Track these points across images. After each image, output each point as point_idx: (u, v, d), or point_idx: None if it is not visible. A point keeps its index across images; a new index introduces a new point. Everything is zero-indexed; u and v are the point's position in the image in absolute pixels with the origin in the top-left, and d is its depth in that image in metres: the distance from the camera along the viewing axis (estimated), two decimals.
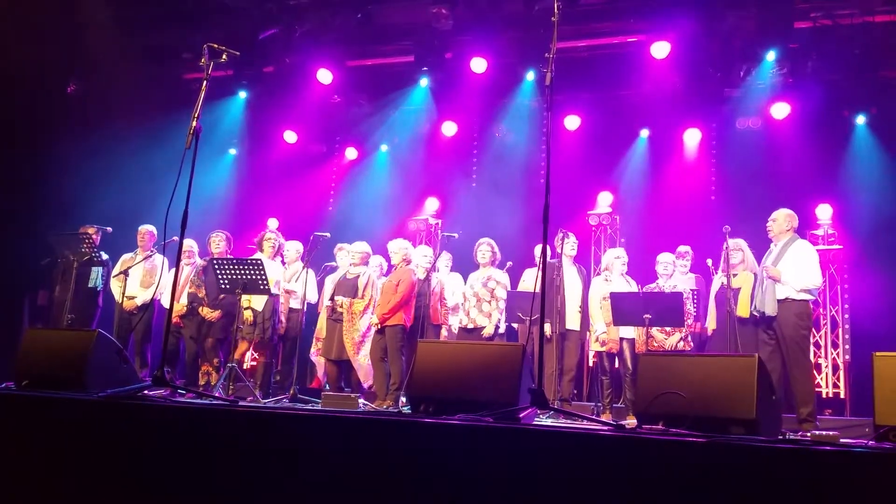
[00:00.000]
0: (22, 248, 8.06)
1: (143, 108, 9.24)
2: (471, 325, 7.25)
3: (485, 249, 7.43)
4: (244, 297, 6.93)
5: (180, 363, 7.80)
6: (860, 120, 8.61)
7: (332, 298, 7.47)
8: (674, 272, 7.23)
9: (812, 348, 8.62)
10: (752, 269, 6.61)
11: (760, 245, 6.68)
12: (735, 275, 6.58)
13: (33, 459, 3.48)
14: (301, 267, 7.59)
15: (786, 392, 6.05)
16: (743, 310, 6.41)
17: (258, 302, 7.29)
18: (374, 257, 7.90)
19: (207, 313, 7.39)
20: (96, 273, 7.80)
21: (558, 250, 7.15)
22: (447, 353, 4.27)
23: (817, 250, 6.52)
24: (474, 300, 7.28)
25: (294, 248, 8.10)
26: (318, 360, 7.86)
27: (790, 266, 6.13)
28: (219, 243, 7.71)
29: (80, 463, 3.41)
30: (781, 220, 6.39)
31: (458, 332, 7.46)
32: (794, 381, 6.00)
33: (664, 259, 7.18)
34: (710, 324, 6.93)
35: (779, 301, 6.11)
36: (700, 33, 8.26)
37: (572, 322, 7.04)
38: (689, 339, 6.90)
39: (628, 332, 6.93)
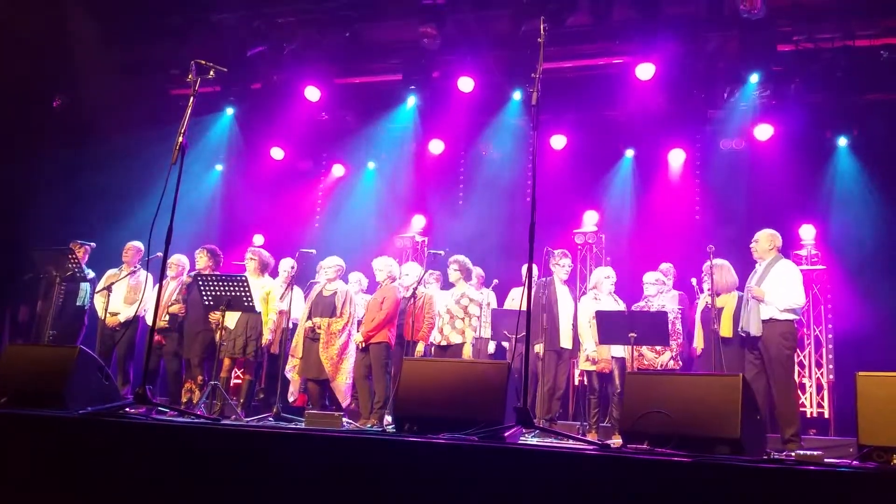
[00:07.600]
0: (4, 262, 7.97)
1: (129, 124, 9.21)
2: (444, 343, 7.13)
3: (452, 268, 7.36)
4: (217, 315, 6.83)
5: (162, 380, 7.70)
6: (842, 142, 8.72)
7: (309, 318, 7.38)
8: (659, 291, 7.24)
9: (797, 368, 8.69)
10: (733, 289, 6.62)
11: (744, 264, 6.70)
12: (718, 294, 6.60)
13: (11, 477, 3.42)
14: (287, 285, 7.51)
15: (770, 412, 6.06)
16: (726, 330, 6.42)
17: (230, 320, 7.06)
18: (353, 273, 7.84)
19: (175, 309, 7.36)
20: (84, 291, 7.70)
21: (551, 267, 7.15)
22: (432, 371, 4.25)
23: (801, 270, 6.55)
24: (447, 317, 7.21)
25: (289, 264, 7.94)
26: (293, 377, 7.72)
27: (774, 286, 6.14)
28: (199, 259, 7.59)
29: (59, 481, 3.35)
30: (763, 240, 6.40)
31: (433, 350, 7.37)
32: (778, 401, 6.00)
33: (649, 279, 7.20)
34: (698, 344, 6.90)
35: (763, 321, 6.11)
36: (684, 55, 8.37)
37: (566, 341, 7.02)
38: (679, 358, 6.90)
39: (619, 351, 6.92)
